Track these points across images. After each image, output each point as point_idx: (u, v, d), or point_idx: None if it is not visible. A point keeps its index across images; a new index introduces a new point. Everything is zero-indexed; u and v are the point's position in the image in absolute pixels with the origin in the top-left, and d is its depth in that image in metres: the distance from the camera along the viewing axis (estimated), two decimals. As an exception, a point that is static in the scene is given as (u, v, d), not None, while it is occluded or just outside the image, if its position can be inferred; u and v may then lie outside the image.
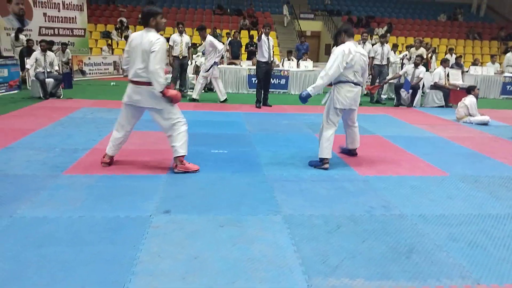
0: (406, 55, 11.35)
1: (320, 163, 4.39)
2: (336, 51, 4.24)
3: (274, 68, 11.03)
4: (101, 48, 14.93)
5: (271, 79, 10.69)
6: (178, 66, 9.06)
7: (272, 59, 8.23)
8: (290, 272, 2.36)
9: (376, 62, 9.49)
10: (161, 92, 3.77)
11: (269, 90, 8.63)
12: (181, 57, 9.00)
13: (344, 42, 4.34)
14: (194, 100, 8.79)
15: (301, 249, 2.62)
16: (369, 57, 9.24)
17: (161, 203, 3.27)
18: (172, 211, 3.12)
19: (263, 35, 8.01)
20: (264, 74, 8.25)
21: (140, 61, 3.76)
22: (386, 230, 2.95)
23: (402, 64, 10.66)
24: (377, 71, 9.52)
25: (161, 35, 3.96)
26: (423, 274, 2.40)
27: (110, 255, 2.48)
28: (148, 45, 3.68)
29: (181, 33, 9.05)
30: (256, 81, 8.53)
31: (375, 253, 2.62)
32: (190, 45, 9.59)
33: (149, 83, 3.79)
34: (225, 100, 8.80)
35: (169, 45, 9.04)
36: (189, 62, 9.86)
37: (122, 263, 2.39)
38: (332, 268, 2.42)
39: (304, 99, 4.35)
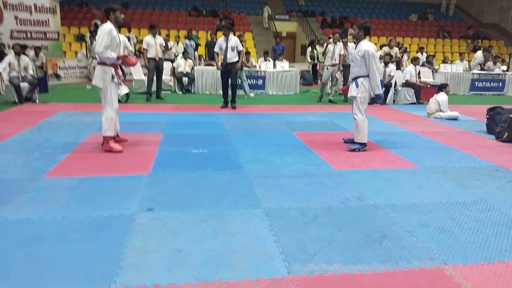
0: (381, 56, 11.56)
1: (363, 146, 5.13)
2: (371, 53, 4.87)
3: (250, 69, 11.21)
4: (76, 52, 14.76)
5: (248, 80, 10.93)
6: (154, 68, 9.07)
7: (229, 60, 7.96)
8: (271, 260, 2.49)
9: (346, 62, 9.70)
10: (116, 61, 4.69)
11: (236, 91, 8.37)
12: (157, 59, 9.02)
13: (360, 38, 5.01)
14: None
15: (280, 239, 2.75)
16: (340, 56, 9.49)
17: (143, 201, 3.35)
18: (155, 209, 3.20)
19: (221, 37, 8.02)
20: (223, 74, 8.14)
21: None
22: (360, 219, 3.12)
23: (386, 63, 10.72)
24: (347, 71, 9.74)
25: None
26: (395, 257, 2.56)
27: (96, 252, 2.55)
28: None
29: (154, 35, 9.07)
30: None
31: (350, 240, 2.78)
32: (165, 45, 9.62)
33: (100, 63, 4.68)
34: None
35: (143, 47, 9.07)
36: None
37: (108, 259, 2.47)
38: (310, 255, 2.56)
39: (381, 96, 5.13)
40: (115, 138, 5.03)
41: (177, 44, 13.88)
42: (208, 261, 2.47)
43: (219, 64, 8.22)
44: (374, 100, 5.08)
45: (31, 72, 8.57)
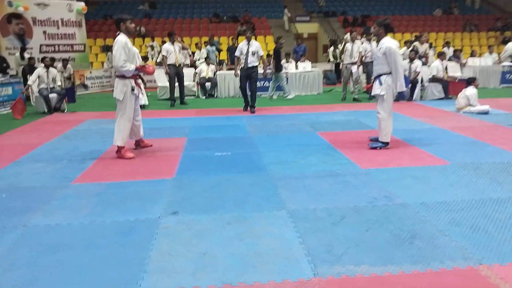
0: (413, 49, 11.15)
1: (385, 145, 5.06)
2: (392, 51, 4.79)
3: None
4: (102, 63, 15.12)
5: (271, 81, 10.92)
6: (174, 74, 9.14)
7: (250, 64, 7.88)
8: (296, 263, 2.44)
9: (367, 59, 9.55)
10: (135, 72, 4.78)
11: (256, 96, 8.25)
12: (177, 65, 9.10)
13: (381, 36, 4.93)
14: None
15: (306, 241, 2.70)
16: (359, 54, 9.40)
17: (168, 205, 3.36)
18: (179, 212, 3.21)
19: (243, 41, 7.99)
20: (244, 79, 8.07)
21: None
22: (389, 219, 3.02)
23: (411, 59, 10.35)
24: (370, 69, 9.58)
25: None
26: (426, 257, 2.46)
27: (122, 257, 2.56)
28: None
29: (172, 42, 9.16)
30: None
31: (378, 240, 2.69)
32: (183, 48, 9.71)
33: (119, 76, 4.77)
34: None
35: (163, 55, 9.19)
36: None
37: (134, 263, 2.47)
38: (337, 257, 2.49)
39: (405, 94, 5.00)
40: (140, 143, 5.12)
41: (200, 50, 14.03)
42: (233, 264, 2.44)
43: (238, 70, 8.15)
44: (399, 97, 4.96)
45: (59, 83, 8.82)
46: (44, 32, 12.61)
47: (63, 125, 7.08)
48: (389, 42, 4.82)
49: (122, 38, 4.65)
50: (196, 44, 14.90)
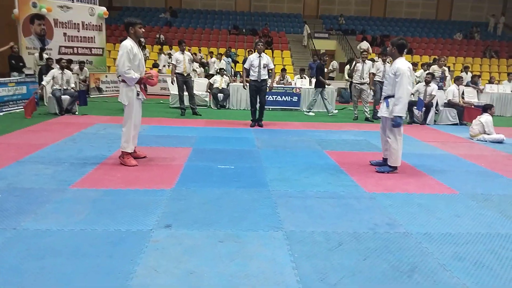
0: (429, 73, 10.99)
1: (393, 170, 4.89)
2: (402, 72, 4.65)
3: (285, 86, 11.17)
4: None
5: (283, 97, 10.88)
6: (182, 84, 9.14)
7: (262, 77, 7.76)
8: (286, 289, 2.32)
9: (377, 78, 9.45)
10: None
11: (264, 109, 8.21)
12: (185, 74, 9.10)
13: (395, 56, 4.81)
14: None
15: (300, 266, 2.58)
16: (369, 74, 9.32)
17: (163, 217, 3.28)
18: (173, 226, 3.12)
19: (254, 53, 7.90)
20: (254, 92, 7.92)
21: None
22: (389, 248, 2.89)
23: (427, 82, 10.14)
24: (378, 88, 9.46)
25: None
26: (424, 293, 2.32)
27: (108, 268, 2.48)
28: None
29: (183, 51, 9.18)
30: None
31: (375, 271, 2.56)
32: (193, 59, 9.72)
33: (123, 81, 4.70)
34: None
35: (172, 63, 9.22)
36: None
37: (119, 277, 2.39)
38: (330, 286, 2.37)
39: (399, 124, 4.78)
40: (132, 153, 4.93)
41: (220, 61, 14.12)
42: (220, 285, 2.34)
43: (245, 82, 8.01)
44: (394, 124, 4.74)
45: (72, 85, 8.90)
46: (65, 34, 12.82)
47: (72, 127, 7.11)
48: (401, 63, 4.71)
49: (127, 43, 4.59)
50: (211, 54, 15.03)
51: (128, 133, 4.75)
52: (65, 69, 8.81)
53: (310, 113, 10.30)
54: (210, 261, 2.61)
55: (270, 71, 7.94)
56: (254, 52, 8.06)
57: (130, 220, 3.19)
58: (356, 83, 9.65)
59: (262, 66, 7.73)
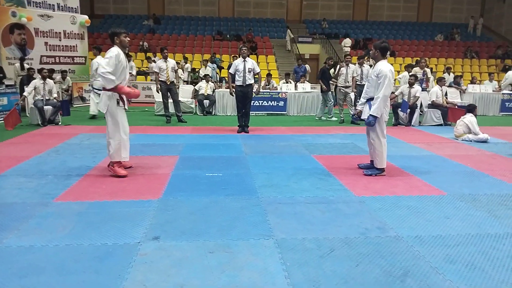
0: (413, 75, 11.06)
1: (380, 172, 4.90)
2: (383, 74, 4.66)
3: (271, 91, 11.17)
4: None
5: (269, 102, 10.88)
6: (166, 91, 9.07)
7: (247, 82, 7.68)
8: (279, 300, 2.28)
9: (357, 82, 9.55)
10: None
11: (249, 115, 8.13)
12: (168, 82, 9.02)
13: (377, 59, 4.84)
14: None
15: (292, 275, 2.54)
16: (353, 78, 9.41)
17: (150, 229, 3.20)
18: (161, 237, 3.05)
19: (239, 58, 7.82)
20: (240, 98, 7.84)
21: None
22: (380, 253, 2.87)
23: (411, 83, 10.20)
24: (358, 91, 9.54)
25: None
26: (418, 298, 2.30)
27: (95, 285, 2.40)
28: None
29: (165, 58, 9.11)
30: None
31: (368, 277, 2.53)
32: (176, 68, 9.61)
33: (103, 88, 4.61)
34: None
35: (155, 71, 9.14)
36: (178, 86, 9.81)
37: (106, 293, 2.32)
38: (323, 294, 2.33)
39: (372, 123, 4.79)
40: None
41: (205, 67, 14.05)
42: (211, 298, 2.28)
43: (232, 88, 7.93)
44: (366, 121, 4.77)
45: (55, 95, 8.74)
46: (46, 43, 12.60)
47: (55, 138, 6.96)
48: (383, 65, 4.73)
49: (115, 49, 4.56)
50: (186, 60, 14.97)
51: (118, 142, 4.66)
52: (47, 79, 8.65)
53: (333, 118, 10.21)
54: (200, 273, 2.55)
55: (256, 75, 7.89)
56: (239, 57, 8.03)
57: (116, 233, 3.11)
58: (341, 87, 9.71)
59: (247, 70, 7.67)
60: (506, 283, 2.48)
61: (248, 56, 7.95)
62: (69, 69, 13.02)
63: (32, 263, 2.65)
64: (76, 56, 13.52)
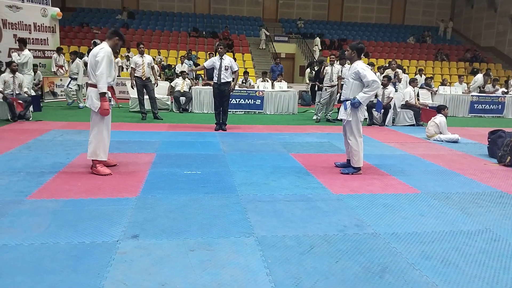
0: (385, 76, 11.30)
1: (357, 170, 4.98)
2: (366, 67, 4.82)
3: (248, 89, 11.17)
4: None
5: (246, 100, 10.88)
6: (142, 88, 8.94)
7: (223, 80, 7.68)
8: (261, 297, 2.29)
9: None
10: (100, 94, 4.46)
11: (227, 113, 8.12)
12: (144, 78, 8.88)
13: (353, 59, 4.90)
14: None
15: (273, 272, 2.55)
16: (338, 77, 9.53)
17: (129, 227, 3.15)
18: (140, 236, 3.01)
19: (216, 56, 7.81)
20: (216, 95, 7.86)
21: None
22: (359, 249, 2.92)
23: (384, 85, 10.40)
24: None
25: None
26: (397, 294, 2.36)
27: (72, 284, 2.35)
28: (94, 53, 4.47)
29: (142, 53, 8.97)
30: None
31: (348, 273, 2.58)
32: (153, 65, 9.48)
33: (93, 85, 4.52)
34: None
35: (131, 67, 9.00)
36: (154, 83, 9.65)
37: (85, 293, 2.27)
38: (305, 291, 2.36)
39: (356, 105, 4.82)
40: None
41: (182, 64, 13.90)
42: (194, 296, 2.27)
43: (196, 69, 8.32)
44: (352, 102, 4.81)
45: (25, 89, 8.45)
46: (15, 36, 12.14)
47: (26, 134, 6.74)
48: (359, 65, 4.82)
49: (108, 48, 4.52)
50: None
51: (103, 140, 4.59)
52: (16, 73, 8.35)
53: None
54: (182, 271, 2.53)
55: (233, 73, 7.87)
56: (215, 55, 7.99)
57: (94, 232, 3.05)
58: (327, 86, 9.70)
59: (223, 68, 7.64)
60: (479, 277, 2.58)
61: (225, 54, 7.90)
62: (40, 63, 12.62)
63: (6, 262, 2.56)
64: (47, 50, 13.11)
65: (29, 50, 12.44)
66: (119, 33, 4.69)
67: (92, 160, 4.60)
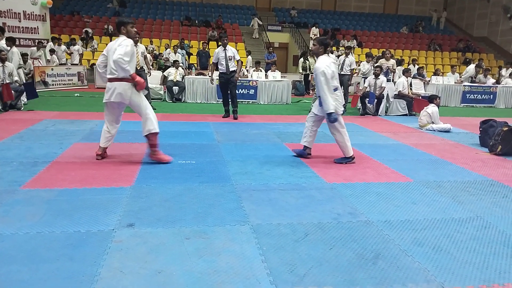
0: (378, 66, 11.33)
1: (350, 159, 4.99)
2: (318, 71, 4.69)
3: (242, 79, 11.14)
4: (66, 60, 14.54)
5: (239, 89, 10.86)
6: None
7: (231, 69, 7.94)
8: (257, 283, 2.32)
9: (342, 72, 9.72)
10: (130, 76, 4.37)
11: (237, 100, 8.30)
12: (138, 68, 8.80)
13: (319, 54, 4.86)
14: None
15: (268, 259, 2.59)
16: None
17: (124, 216, 3.16)
18: (135, 225, 3.02)
19: (220, 47, 8.08)
20: (223, 84, 8.11)
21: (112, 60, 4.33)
22: (352, 236, 2.97)
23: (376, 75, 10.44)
24: (339, 80, 9.70)
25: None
26: (389, 279, 2.41)
27: (69, 272, 2.36)
28: (117, 45, 4.35)
29: (136, 43, 8.87)
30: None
31: (342, 260, 2.62)
32: (146, 54, 9.38)
33: (120, 79, 4.38)
34: None
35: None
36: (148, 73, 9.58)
37: (82, 280, 2.28)
38: (299, 277, 2.39)
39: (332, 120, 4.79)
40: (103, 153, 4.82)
41: (175, 53, 13.79)
42: (190, 283, 2.29)
43: (213, 76, 8.41)
44: (329, 120, 4.78)
45: (16, 78, 8.35)
46: (4, 24, 11.99)
47: (18, 123, 6.68)
48: (319, 62, 4.76)
49: (129, 40, 4.43)
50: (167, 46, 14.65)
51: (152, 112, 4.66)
52: (6, 62, 8.24)
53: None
54: (178, 259, 2.55)
55: (236, 63, 8.05)
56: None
57: (89, 221, 3.06)
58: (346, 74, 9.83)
59: (228, 58, 7.90)
60: (469, 263, 2.64)
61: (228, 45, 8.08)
62: (31, 51, 12.45)
63: (1, 251, 2.57)
64: (37, 39, 12.95)
65: (19, 39, 12.34)
66: (123, 21, 4.52)
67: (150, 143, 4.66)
